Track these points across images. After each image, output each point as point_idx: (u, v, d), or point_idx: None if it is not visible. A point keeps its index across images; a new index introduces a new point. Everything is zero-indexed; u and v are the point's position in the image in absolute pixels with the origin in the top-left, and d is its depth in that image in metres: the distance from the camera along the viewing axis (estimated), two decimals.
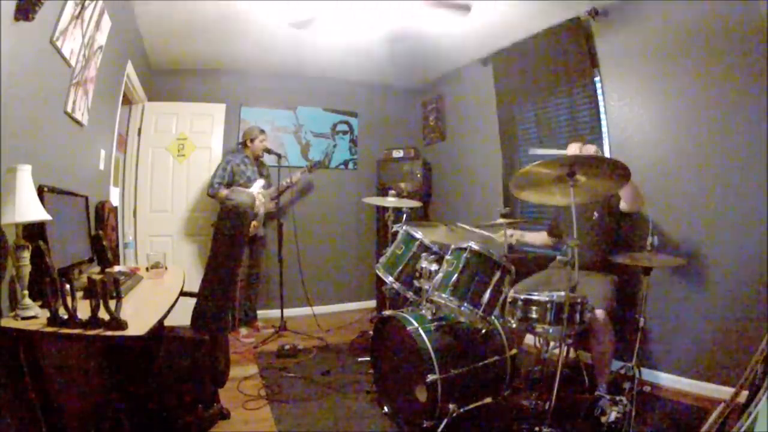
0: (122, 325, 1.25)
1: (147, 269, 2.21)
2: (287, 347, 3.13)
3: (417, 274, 2.28)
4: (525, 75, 3.48)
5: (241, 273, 3.47)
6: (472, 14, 2.99)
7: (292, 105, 4.46)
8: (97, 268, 2.06)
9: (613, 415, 1.88)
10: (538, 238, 2.84)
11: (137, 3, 2.86)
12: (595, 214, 2.48)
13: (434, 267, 2.20)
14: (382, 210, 4.17)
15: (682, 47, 2.49)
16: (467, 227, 2.55)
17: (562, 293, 1.80)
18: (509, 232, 2.41)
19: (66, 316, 1.26)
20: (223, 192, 3.43)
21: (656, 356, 2.58)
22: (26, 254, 1.30)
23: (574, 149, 2.42)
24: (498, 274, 1.98)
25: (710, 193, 2.38)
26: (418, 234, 2.39)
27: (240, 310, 3.65)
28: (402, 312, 2.16)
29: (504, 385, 2.14)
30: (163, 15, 3.04)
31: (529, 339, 2.58)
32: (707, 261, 2.37)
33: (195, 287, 1.88)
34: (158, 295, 1.83)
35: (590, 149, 2.42)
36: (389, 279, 2.35)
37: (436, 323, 2.08)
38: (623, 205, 2.35)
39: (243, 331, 3.63)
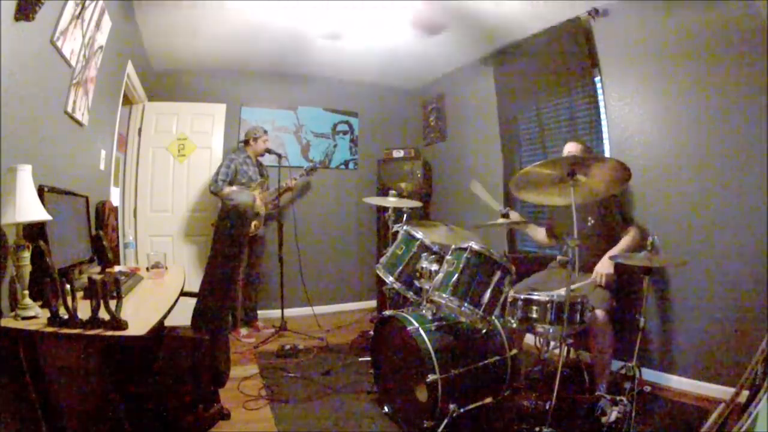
0: (122, 325, 1.25)
1: (147, 269, 2.22)
2: (287, 347, 3.14)
3: (417, 274, 2.28)
4: (525, 75, 3.48)
5: (241, 273, 3.48)
6: (471, 13, 2.99)
7: (293, 105, 4.46)
8: (98, 268, 2.07)
9: (613, 416, 1.88)
10: (538, 233, 2.83)
11: (137, 3, 2.86)
12: (590, 220, 2.48)
13: (435, 267, 2.20)
14: (382, 210, 4.17)
15: (682, 47, 2.49)
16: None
17: (563, 293, 1.80)
18: (512, 214, 2.40)
19: (66, 316, 1.26)
20: (226, 190, 3.44)
21: (656, 356, 2.58)
22: (26, 254, 1.30)
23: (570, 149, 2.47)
24: (498, 274, 1.98)
25: (710, 193, 2.38)
26: (419, 234, 2.39)
27: (240, 310, 3.65)
28: (402, 312, 2.16)
29: (504, 385, 2.14)
30: (163, 15, 3.04)
31: (529, 339, 2.58)
32: (707, 261, 2.37)
33: (195, 287, 1.88)
34: (158, 295, 1.84)
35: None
36: (389, 279, 2.35)
37: (436, 323, 2.08)
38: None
39: (243, 331, 3.63)
